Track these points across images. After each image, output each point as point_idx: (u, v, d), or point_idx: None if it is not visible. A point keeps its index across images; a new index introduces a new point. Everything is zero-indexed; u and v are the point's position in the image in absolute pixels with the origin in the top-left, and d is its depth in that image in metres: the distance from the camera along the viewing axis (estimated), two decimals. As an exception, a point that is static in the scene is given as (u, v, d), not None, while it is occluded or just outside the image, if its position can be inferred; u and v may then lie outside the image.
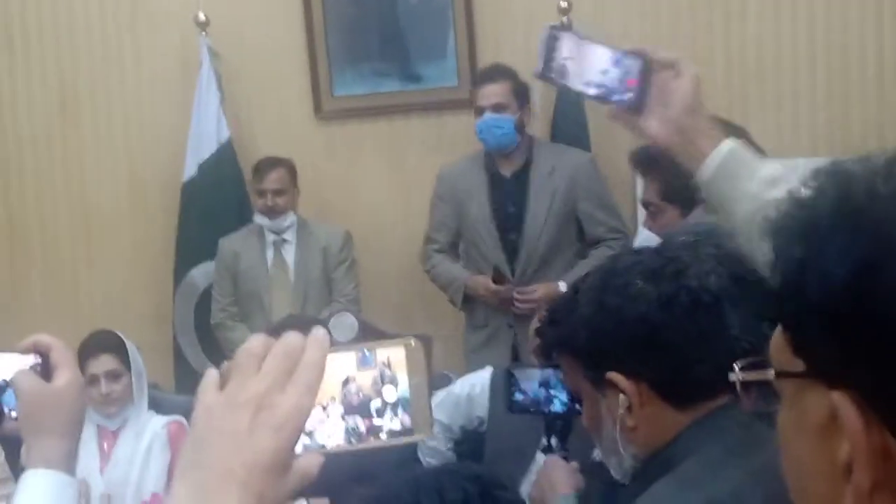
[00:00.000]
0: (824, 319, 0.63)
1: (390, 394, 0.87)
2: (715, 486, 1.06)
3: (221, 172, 4.39)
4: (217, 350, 4.31)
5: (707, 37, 4.39)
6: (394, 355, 0.89)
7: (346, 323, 4.07)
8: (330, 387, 0.86)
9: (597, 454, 2.85)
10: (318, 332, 0.84)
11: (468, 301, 4.02)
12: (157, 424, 3.27)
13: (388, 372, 0.88)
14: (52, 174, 4.63)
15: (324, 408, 0.86)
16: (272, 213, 4.12)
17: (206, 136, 4.38)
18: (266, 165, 4.15)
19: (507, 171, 4.04)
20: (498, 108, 3.89)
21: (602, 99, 1.46)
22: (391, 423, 0.87)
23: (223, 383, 0.82)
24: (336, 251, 4.18)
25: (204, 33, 4.37)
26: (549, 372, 2.13)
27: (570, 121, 4.32)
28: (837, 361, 0.63)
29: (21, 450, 1.24)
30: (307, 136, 4.51)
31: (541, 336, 1.81)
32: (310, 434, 0.86)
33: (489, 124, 3.89)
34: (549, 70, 1.44)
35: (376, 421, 0.87)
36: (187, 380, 4.31)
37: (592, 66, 1.45)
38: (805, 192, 0.68)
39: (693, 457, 1.20)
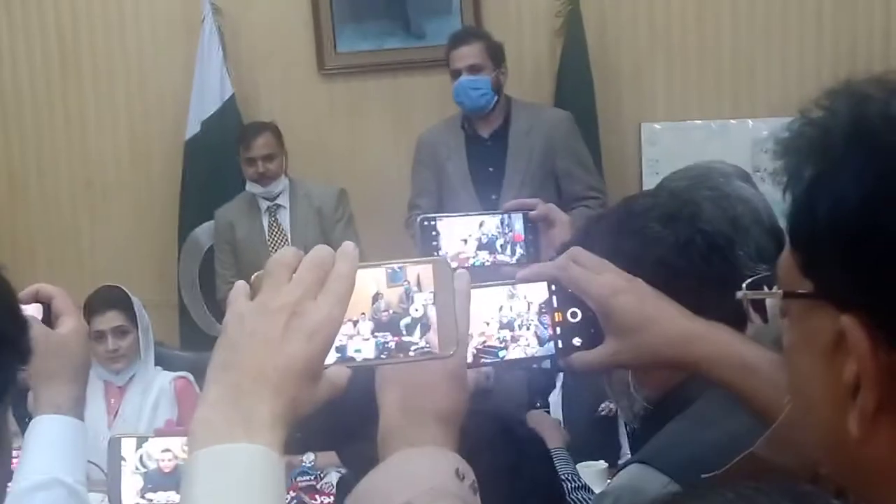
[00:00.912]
0: (836, 241, 0.63)
1: (417, 310, 0.87)
2: (732, 423, 1.06)
3: (225, 129, 4.36)
4: (223, 309, 4.30)
5: (715, 29, 4.36)
6: (423, 272, 0.88)
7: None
8: (360, 302, 0.86)
9: (604, 406, 2.89)
10: (348, 246, 0.85)
11: None
12: (163, 380, 3.29)
13: (415, 289, 0.88)
14: (54, 132, 4.61)
15: (354, 323, 0.86)
16: (264, 179, 4.07)
17: (208, 93, 4.36)
18: (251, 132, 4.09)
19: (484, 131, 4.02)
20: (473, 69, 3.87)
21: (497, 265, 1.58)
22: (420, 340, 0.87)
23: (253, 294, 0.82)
24: (331, 210, 4.14)
25: (206, -12, 4.34)
26: None
27: (575, 85, 4.29)
28: (847, 283, 0.63)
29: (27, 399, 1.23)
30: (310, 93, 4.49)
31: None
32: (341, 348, 0.86)
33: (465, 86, 3.88)
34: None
35: (405, 338, 0.87)
36: (192, 337, 4.32)
37: (475, 236, 1.57)
38: (817, 111, 0.67)
39: (706, 396, 1.20)
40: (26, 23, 4.54)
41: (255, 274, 0.84)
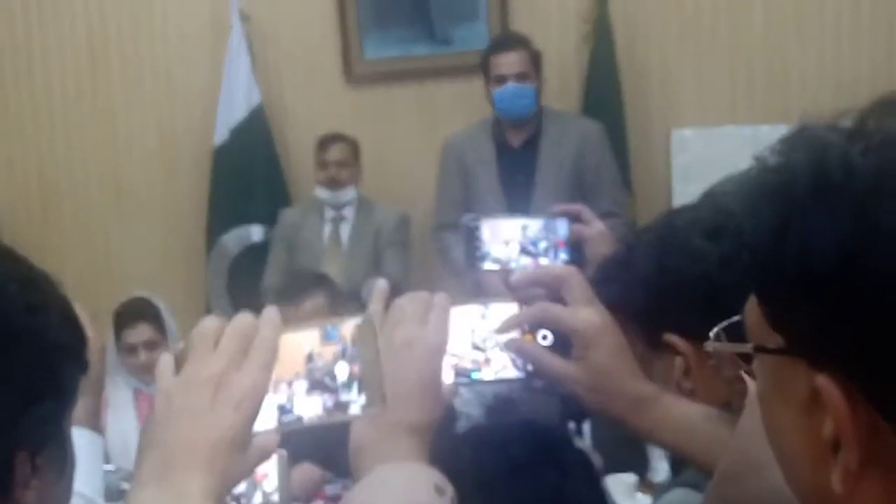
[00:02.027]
0: (806, 297, 0.60)
1: (343, 370, 0.88)
2: None
3: (253, 137, 4.38)
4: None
5: (747, 34, 4.32)
6: (347, 329, 0.89)
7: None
8: (293, 363, 0.88)
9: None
10: (270, 311, 0.87)
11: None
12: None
13: (349, 347, 0.89)
14: (84, 140, 4.64)
15: (289, 384, 0.87)
16: (334, 184, 4.11)
17: (237, 100, 4.37)
18: (329, 139, 4.15)
19: (515, 140, 3.99)
20: (521, 77, 3.84)
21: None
22: (358, 396, 0.87)
23: (179, 365, 0.85)
24: (388, 232, 4.16)
25: (234, -4, 4.35)
26: None
27: (603, 91, 4.26)
28: (820, 340, 0.60)
29: None
30: (337, 100, 4.49)
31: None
32: (288, 407, 0.87)
33: (513, 94, 3.84)
34: (474, 260, 1.54)
35: (342, 396, 0.88)
36: (220, 344, 4.33)
37: (517, 240, 1.58)
38: (774, 158, 0.64)
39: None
40: (58, 32, 4.57)
41: (180, 344, 0.87)
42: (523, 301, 1.07)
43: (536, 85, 3.89)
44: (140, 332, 3.23)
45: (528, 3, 4.38)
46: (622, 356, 1.03)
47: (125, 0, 4.52)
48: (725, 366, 0.84)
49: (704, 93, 4.37)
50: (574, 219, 1.67)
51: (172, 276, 4.55)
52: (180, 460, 0.80)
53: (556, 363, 1.03)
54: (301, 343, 0.88)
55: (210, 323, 0.86)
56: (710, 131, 4.32)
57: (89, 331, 1.27)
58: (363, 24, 4.41)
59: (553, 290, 1.06)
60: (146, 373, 3.22)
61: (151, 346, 3.23)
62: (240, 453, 0.82)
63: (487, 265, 1.60)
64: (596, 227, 1.71)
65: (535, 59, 3.90)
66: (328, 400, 0.87)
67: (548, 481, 1.15)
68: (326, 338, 0.89)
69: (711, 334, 0.87)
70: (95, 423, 1.27)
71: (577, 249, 1.62)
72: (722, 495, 0.85)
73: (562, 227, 1.63)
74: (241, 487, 1.78)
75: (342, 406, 0.87)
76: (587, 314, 1.03)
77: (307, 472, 2.90)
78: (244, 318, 0.86)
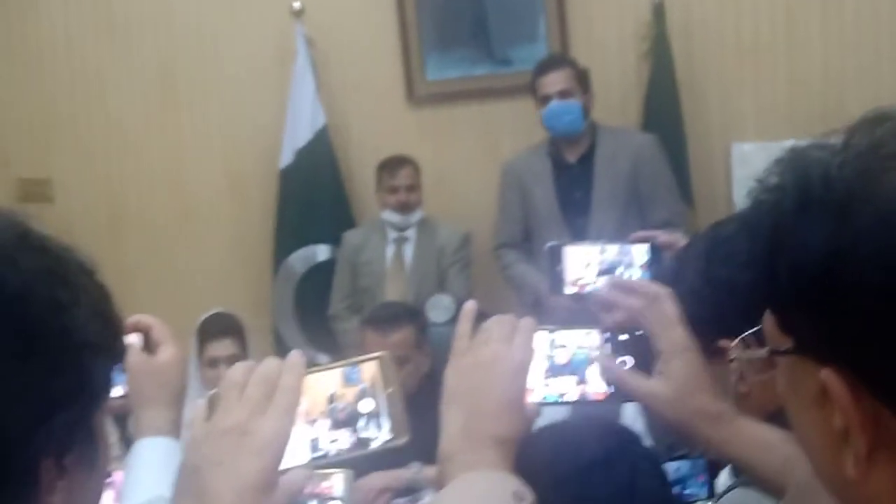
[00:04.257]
0: (800, 303, 0.67)
1: (366, 405, 0.95)
2: None
3: (318, 159, 4.46)
4: (317, 335, 4.39)
5: (805, 48, 4.33)
6: (367, 370, 0.97)
7: (442, 304, 4.13)
8: (316, 403, 0.95)
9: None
10: (294, 356, 0.93)
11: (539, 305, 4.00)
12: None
13: (370, 387, 0.96)
14: (153, 163, 4.75)
15: (312, 423, 0.95)
16: (405, 208, 4.18)
17: (301, 123, 4.46)
18: (395, 163, 4.21)
19: (571, 157, 4.04)
20: (564, 94, 3.91)
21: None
22: (378, 433, 0.95)
23: (210, 412, 0.91)
24: (451, 251, 4.22)
25: (299, 22, 4.45)
26: None
27: (663, 107, 4.29)
28: (820, 339, 0.66)
29: (128, 423, 1.29)
30: (400, 121, 4.56)
31: None
32: (315, 441, 0.95)
33: (557, 111, 3.91)
34: (557, 283, 1.60)
35: (363, 434, 0.95)
36: (287, 363, 4.39)
37: (595, 263, 1.63)
38: (770, 179, 0.71)
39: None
40: (129, 59, 4.70)
41: (211, 393, 0.93)
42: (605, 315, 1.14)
43: (583, 101, 3.94)
44: (224, 347, 3.28)
45: (586, 22, 4.42)
46: (702, 375, 1.10)
47: (194, 26, 4.65)
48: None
49: (763, 107, 4.38)
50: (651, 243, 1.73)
51: (239, 297, 4.62)
52: None
53: (640, 380, 1.10)
54: (323, 385, 0.95)
55: (238, 370, 0.92)
56: (771, 146, 4.31)
57: (172, 347, 1.32)
58: (425, 46, 4.49)
59: (644, 304, 1.12)
60: None
61: (234, 360, 3.21)
62: (266, 496, 0.87)
63: (568, 289, 1.66)
64: (672, 237, 1.76)
65: (580, 76, 3.97)
66: (351, 437, 0.95)
67: (620, 478, 1.18)
68: (348, 380, 0.96)
69: (732, 344, 0.95)
70: (177, 434, 1.30)
71: (656, 275, 1.65)
72: None
73: (639, 253, 1.68)
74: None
75: (364, 443, 0.95)
76: (675, 332, 1.10)
77: (375, 480, 2.95)
78: (269, 364, 0.92)
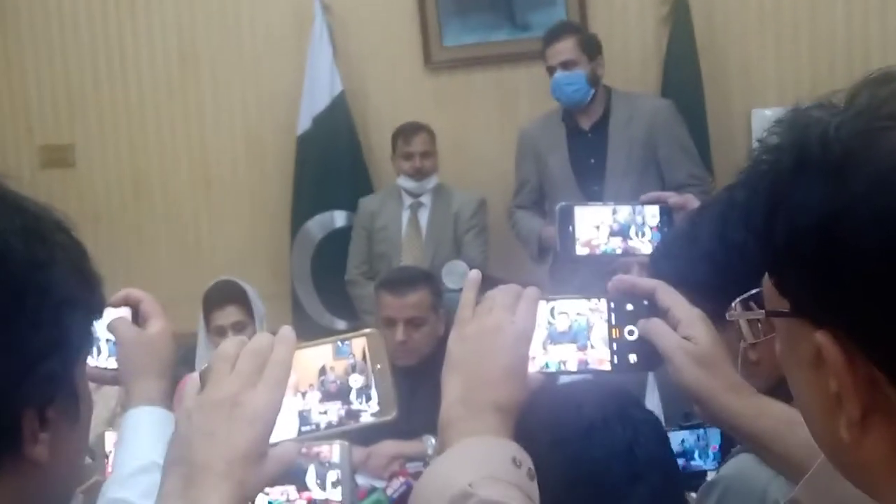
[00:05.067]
0: (796, 264, 0.66)
1: (356, 380, 0.96)
2: None
3: (335, 125, 4.47)
4: (335, 301, 4.42)
5: (828, 12, 4.25)
6: (357, 345, 0.97)
7: (457, 270, 4.13)
8: (307, 376, 0.96)
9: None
10: (285, 330, 0.94)
11: (545, 253, 4.01)
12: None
13: (360, 361, 0.97)
14: (173, 129, 4.79)
15: (303, 394, 0.96)
16: (420, 174, 4.18)
17: (319, 89, 4.47)
18: (409, 130, 4.21)
19: (585, 124, 4.01)
20: (567, 64, 3.87)
21: (630, 252, 1.64)
22: (367, 405, 0.96)
23: (202, 385, 0.92)
24: (467, 217, 4.22)
25: (316, -12, 4.44)
26: None
27: (682, 73, 4.25)
28: (815, 301, 0.66)
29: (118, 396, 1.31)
30: (417, 87, 4.56)
31: (655, 268, 1.82)
32: (305, 415, 0.95)
33: (560, 82, 3.88)
34: (569, 247, 1.62)
35: (353, 406, 0.96)
36: (305, 329, 4.42)
37: (607, 224, 1.65)
38: (770, 139, 0.70)
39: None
40: (148, 28, 4.73)
41: (203, 367, 0.94)
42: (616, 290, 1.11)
43: (588, 69, 3.89)
44: (228, 314, 3.29)
45: (605, -14, 4.38)
46: (721, 348, 1.06)
47: (211, -5, 4.65)
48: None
49: (784, 74, 4.32)
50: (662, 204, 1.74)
51: (259, 262, 4.67)
52: (199, 477, 0.87)
53: (673, 335, 1.05)
54: (314, 358, 0.96)
55: (229, 344, 0.94)
56: (792, 111, 4.26)
57: (161, 321, 1.32)
58: (443, 11, 4.46)
59: (646, 298, 1.10)
60: None
61: (240, 327, 3.28)
62: (256, 466, 0.89)
63: (579, 249, 1.67)
64: (684, 198, 1.78)
65: (586, 44, 3.92)
66: (341, 409, 0.96)
67: (619, 439, 1.18)
68: (338, 353, 0.97)
69: (732, 305, 0.94)
70: (168, 404, 1.31)
71: (667, 236, 1.66)
72: (823, 487, 0.85)
73: (650, 214, 1.69)
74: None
75: (354, 414, 0.96)
76: (690, 308, 1.07)
77: (388, 447, 2.97)
78: (261, 339, 0.93)
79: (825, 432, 0.69)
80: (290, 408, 0.94)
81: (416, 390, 2.54)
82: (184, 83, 4.74)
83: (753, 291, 1.04)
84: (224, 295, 3.34)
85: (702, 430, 2.41)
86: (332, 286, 4.44)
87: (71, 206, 4.84)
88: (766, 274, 0.73)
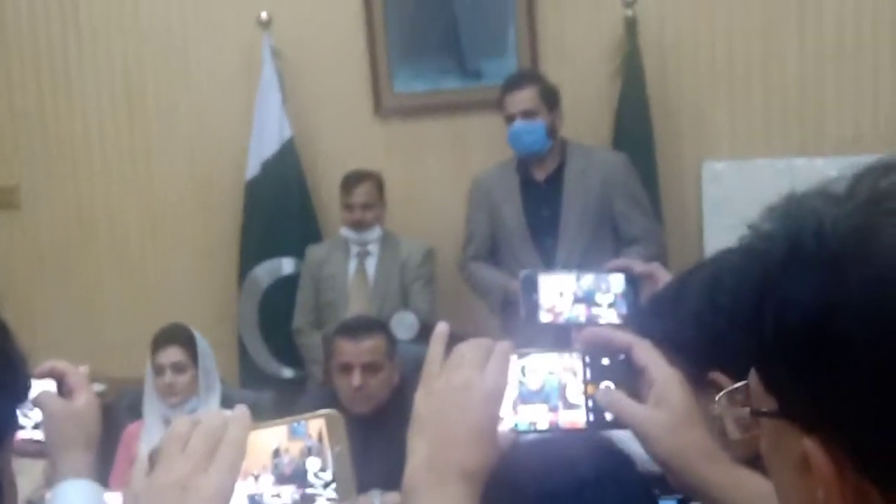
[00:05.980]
0: (786, 362, 0.62)
1: (313, 463, 0.92)
2: None
3: (284, 171, 4.43)
4: (282, 348, 4.38)
5: (780, 63, 4.25)
6: (314, 427, 0.93)
7: (405, 321, 4.08)
8: (260, 458, 0.91)
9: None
10: (240, 409, 0.89)
11: (509, 307, 3.96)
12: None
13: (317, 443, 0.92)
14: (121, 172, 4.73)
15: (256, 477, 0.91)
16: (360, 226, 4.14)
17: (268, 134, 4.42)
18: (354, 179, 4.17)
19: (540, 175, 3.98)
20: (527, 114, 3.84)
21: (593, 320, 1.65)
22: (324, 489, 0.91)
23: (151, 466, 0.86)
24: (414, 266, 4.18)
25: (266, 32, 4.40)
26: None
27: (634, 124, 4.23)
28: (805, 404, 0.62)
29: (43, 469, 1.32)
30: (367, 133, 4.52)
31: (641, 326, 1.79)
32: (257, 498, 0.91)
33: (519, 131, 3.85)
34: (533, 314, 1.63)
35: (308, 489, 0.91)
36: (252, 376, 4.38)
37: (571, 291, 1.66)
38: (763, 226, 0.66)
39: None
40: (96, 71, 4.68)
41: (152, 448, 0.88)
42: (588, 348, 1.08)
43: (548, 120, 3.87)
44: (169, 354, 3.30)
45: (558, 37, 4.36)
46: (697, 412, 1.02)
47: (160, 37, 4.61)
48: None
49: (737, 125, 4.32)
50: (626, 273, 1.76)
51: (205, 308, 4.61)
52: None
53: (637, 407, 1.02)
54: (268, 439, 0.92)
55: (181, 423, 0.88)
56: (743, 164, 4.26)
57: (86, 393, 1.32)
58: (393, 58, 4.43)
59: (633, 339, 1.07)
60: (170, 394, 3.31)
61: (179, 368, 3.30)
62: None
63: (543, 315, 1.67)
64: (650, 267, 1.82)
65: (547, 95, 3.89)
66: (295, 493, 0.91)
67: (610, 501, 1.14)
68: (293, 434, 0.92)
69: (717, 399, 0.91)
70: (95, 476, 1.30)
71: (634, 304, 1.68)
72: None
73: (616, 282, 1.69)
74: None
75: (309, 499, 0.91)
76: (667, 367, 1.03)
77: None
78: (214, 418, 0.88)
79: None
80: (241, 492, 0.89)
81: (370, 442, 2.54)
82: (131, 125, 4.69)
83: (739, 385, 1.00)
84: (168, 336, 3.37)
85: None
86: (279, 333, 4.39)
87: (16, 248, 4.78)
88: (752, 369, 0.69)
